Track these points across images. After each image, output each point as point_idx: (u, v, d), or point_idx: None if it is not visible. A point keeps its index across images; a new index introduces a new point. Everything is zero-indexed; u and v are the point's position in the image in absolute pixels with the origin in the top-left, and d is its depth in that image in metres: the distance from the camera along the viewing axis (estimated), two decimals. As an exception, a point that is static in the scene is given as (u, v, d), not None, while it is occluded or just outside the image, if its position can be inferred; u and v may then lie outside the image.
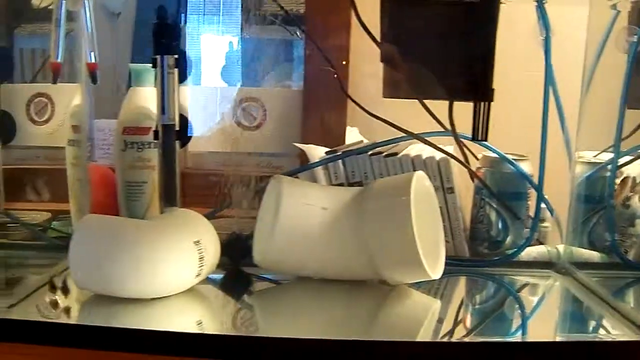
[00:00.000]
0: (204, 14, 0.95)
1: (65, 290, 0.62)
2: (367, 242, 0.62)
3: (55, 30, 0.67)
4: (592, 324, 0.64)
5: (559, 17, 0.69)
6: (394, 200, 0.62)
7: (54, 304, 0.60)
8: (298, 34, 0.89)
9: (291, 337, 0.54)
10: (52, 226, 0.79)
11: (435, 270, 0.63)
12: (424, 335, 0.58)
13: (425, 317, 0.63)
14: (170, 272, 0.58)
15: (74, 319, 0.58)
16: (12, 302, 0.58)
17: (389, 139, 0.76)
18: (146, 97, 0.77)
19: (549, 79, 0.70)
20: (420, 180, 0.64)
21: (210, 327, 0.59)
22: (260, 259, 0.64)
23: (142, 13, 0.94)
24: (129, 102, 0.77)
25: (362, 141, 0.91)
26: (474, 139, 0.67)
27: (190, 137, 0.69)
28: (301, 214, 0.63)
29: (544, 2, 0.68)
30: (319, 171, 0.77)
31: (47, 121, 0.88)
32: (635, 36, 0.67)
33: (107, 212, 0.80)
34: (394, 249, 0.61)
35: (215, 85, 0.92)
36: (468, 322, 0.63)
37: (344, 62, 0.85)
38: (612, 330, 0.60)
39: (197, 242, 0.60)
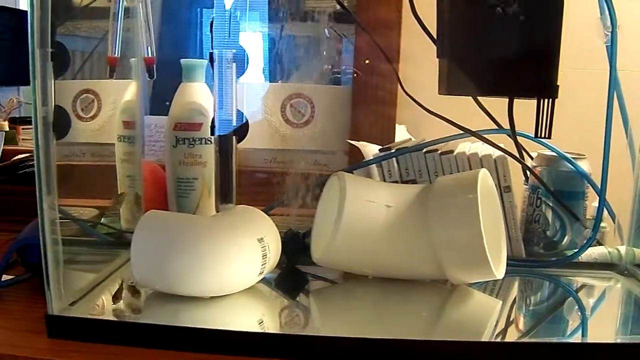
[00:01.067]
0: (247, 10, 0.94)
1: (124, 288, 0.61)
2: (431, 240, 0.61)
3: (113, 25, 0.67)
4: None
5: (623, 10, 0.67)
6: (461, 198, 0.60)
7: (114, 302, 0.59)
8: (336, 31, 0.88)
9: (356, 336, 0.52)
10: (101, 222, 0.78)
11: (499, 269, 0.62)
12: (490, 335, 0.57)
13: (489, 318, 0.62)
14: (235, 270, 0.57)
15: (136, 317, 0.57)
16: (72, 299, 0.57)
17: (445, 136, 0.75)
18: (198, 92, 0.76)
19: (613, 76, 0.68)
20: (485, 178, 0.63)
21: (272, 327, 0.58)
22: (320, 257, 0.63)
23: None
24: (180, 97, 0.77)
25: (410, 139, 0.90)
26: (537, 137, 0.65)
27: (247, 132, 0.68)
28: (365, 212, 0.61)
29: (610, -5, 0.66)
30: (373, 169, 0.75)
31: (93, 117, 0.88)
32: None
33: (156, 208, 0.79)
34: (461, 247, 0.60)
35: (262, 81, 0.91)
36: (529, 323, 0.62)
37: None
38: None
39: (260, 240, 0.59)
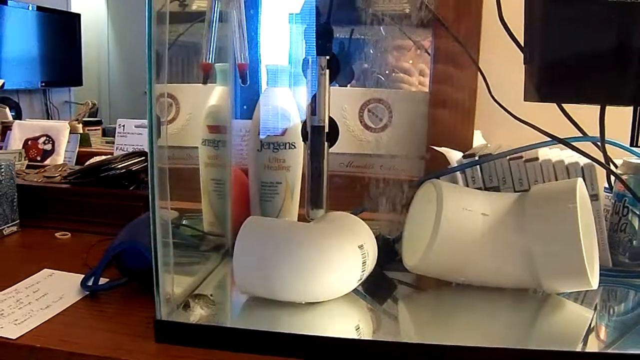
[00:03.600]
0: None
1: (221, 292, 0.62)
2: (528, 249, 0.61)
3: (208, 31, 0.68)
4: None
5: None
6: (560, 207, 0.60)
7: (212, 306, 0.60)
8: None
9: (450, 344, 0.53)
10: (184, 223, 0.79)
11: (593, 279, 0.61)
12: (584, 346, 0.57)
13: (583, 328, 0.62)
14: (336, 277, 0.58)
15: (241, 322, 0.58)
16: (174, 304, 0.58)
17: (531, 144, 0.75)
18: (282, 97, 0.77)
19: None
20: (582, 188, 0.62)
21: (368, 334, 0.59)
22: (416, 265, 0.64)
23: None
24: (265, 102, 0.77)
25: (487, 145, 0.90)
26: (634, 145, 0.64)
27: (337, 137, 0.69)
28: (462, 220, 0.62)
29: None
30: (456, 175, 0.75)
31: (171, 121, 0.89)
32: None
33: (239, 213, 0.80)
34: (559, 257, 0.60)
35: (338, 85, 0.91)
36: (618, 333, 0.62)
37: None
38: None
39: (360, 247, 0.59)
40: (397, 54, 0.92)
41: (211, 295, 0.61)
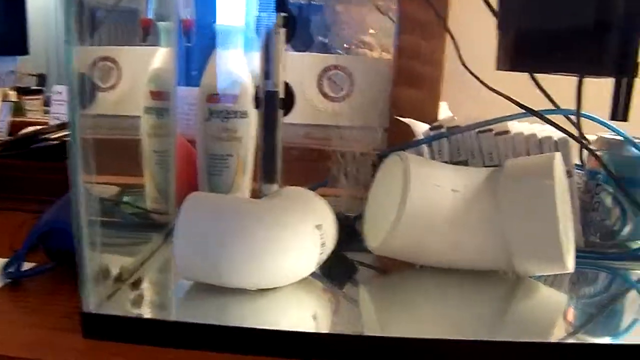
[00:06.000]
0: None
1: (162, 278, 0.56)
2: (501, 228, 0.56)
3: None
4: None
5: None
6: (536, 184, 0.55)
7: (153, 295, 0.53)
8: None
9: (415, 337, 0.48)
10: (125, 201, 0.72)
11: (569, 262, 0.57)
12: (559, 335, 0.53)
13: (556, 314, 0.57)
14: (291, 260, 0.52)
15: (183, 314, 0.51)
16: (108, 291, 0.51)
17: (501, 117, 0.69)
18: (233, 60, 0.70)
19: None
20: (559, 164, 0.57)
21: (325, 324, 0.53)
22: (379, 246, 0.58)
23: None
24: (214, 66, 0.70)
25: (453, 117, 0.84)
26: (613, 119, 0.60)
27: (293, 106, 0.62)
28: (430, 197, 0.56)
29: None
30: (423, 149, 0.70)
31: (112, 87, 0.81)
32: None
33: (184, 188, 0.73)
34: (534, 238, 0.55)
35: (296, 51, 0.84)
36: (587, 317, 0.57)
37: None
38: None
39: (318, 227, 0.53)
40: (358, 22, 0.86)
41: (147, 282, 0.54)
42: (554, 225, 0.54)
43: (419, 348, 0.47)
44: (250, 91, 0.69)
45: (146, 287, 0.55)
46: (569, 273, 0.57)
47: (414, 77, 0.79)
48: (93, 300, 0.48)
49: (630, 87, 0.59)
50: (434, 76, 0.79)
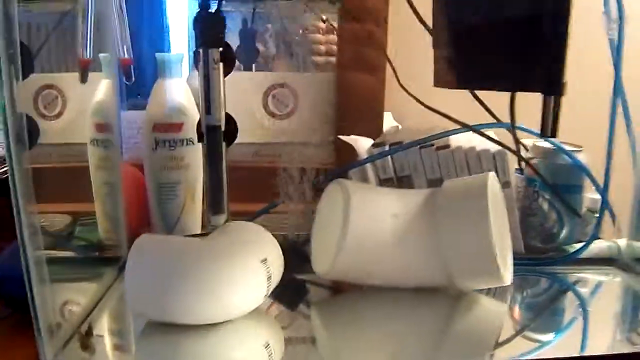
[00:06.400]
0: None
1: (117, 319, 0.57)
2: (440, 248, 0.58)
3: (83, 24, 0.60)
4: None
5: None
6: (471, 205, 0.58)
7: (108, 339, 0.54)
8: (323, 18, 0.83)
9: None
10: (77, 234, 0.72)
11: (506, 275, 0.60)
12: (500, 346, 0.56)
13: (498, 326, 0.61)
14: (239, 297, 0.53)
15: (138, 356, 0.53)
16: (63, 339, 0.52)
17: (441, 132, 0.72)
18: (176, 89, 0.71)
19: (618, 70, 0.66)
20: (493, 183, 0.60)
21: (278, 350, 0.55)
22: (323, 272, 0.60)
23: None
24: (157, 96, 0.71)
25: (397, 127, 0.87)
26: (542, 136, 0.62)
27: (236, 136, 0.63)
28: (371, 224, 0.58)
29: (618, -14, 0.63)
30: (367, 166, 0.72)
31: (58, 116, 0.80)
32: None
33: (136, 216, 0.74)
34: (471, 256, 0.58)
35: (239, 70, 0.85)
36: (531, 323, 0.61)
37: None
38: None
39: (264, 261, 0.55)
40: (302, 32, 0.87)
41: (102, 325, 0.55)
42: (489, 244, 0.56)
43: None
44: (195, 118, 0.70)
45: (101, 329, 0.56)
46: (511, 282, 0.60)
47: (356, 89, 0.81)
48: (50, 351, 0.49)
49: (557, 105, 0.62)
50: (377, 87, 0.80)
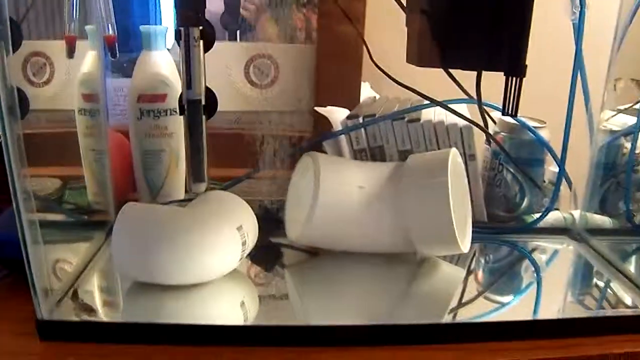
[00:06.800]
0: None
1: (105, 279, 0.62)
2: (403, 219, 0.63)
3: (69, 2, 0.63)
4: (599, 293, 0.67)
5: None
6: (432, 181, 0.62)
7: (99, 297, 0.59)
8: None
9: (329, 324, 0.56)
10: (66, 198, 0.77)
11: (464, 244, 0.65)
12: (455, 306, 0.62)
13: (455, 289, 0.66)
14: (215, 260, 0.58)
15: (127, 312, 0.58)
16: (58, 296, 0.57)
17: (412, 107, 0.76)
18: (160, 61, 0.74)
19: (579, 52, 0.70)
20: (454, 159, 0.64)
21: (253, 309, 0.60)
22: (295, 238, 0.65)
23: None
24: (142, 67, 0.74)
25: (375, 97, 0.90)
26: (504, 113, 0.67)
27: (216, 109, 0.67)
28: (339, 195, 0.63)
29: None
30: (341, 137, 0.76)
31: (46, 82, 0.83)
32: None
33: (123, 181, 0.78)
34: (432, 227, 0.62)
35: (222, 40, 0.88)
36: (490, 293, 0.66)
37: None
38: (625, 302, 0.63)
39: (239, 228, 0.60)
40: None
41: (91, 285, 0.60)
42: (448, 216, 0.61)
43: (337, 335, 0.55)
44: (178, 89, 0.74)
45: (91, 289, 0.61)
46: (471, 248, 0.66)
47: (335, 60, 0.84)
48: (45, 308, 0.54)
49: (519, 86, 0.66)
50: (355, 58, 0.84)
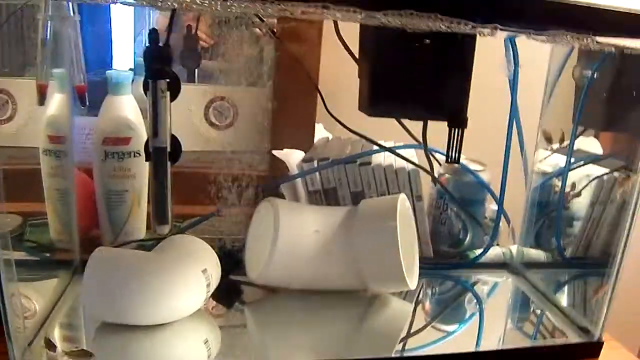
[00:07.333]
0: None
1: (75, 319, 0.64)
2: (356, 260, 0.68)
3: (42, 50, 0.66)
4: (533, 328, 0.74)
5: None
6: (382, 226, 0.68)
7: (68, 337, 0.62)
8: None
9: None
10: (27, 236, 0.79)
11: (412, 281, 0.70)
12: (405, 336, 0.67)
13: (404, 322, 0.71)
14: (182, 303, 0.62)
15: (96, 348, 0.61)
16: (28, 338, 0.59)
17: (364, 151, 0.81)
18: (125, 105, 0.77)
19: (514, 102, 0.77)
20: (403, 204, 0.70)
21: (215, 346, 0.64)
22: (255, 277, 0.69)
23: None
24: (107, 111, 0.77)
25: (328, 138, 0.95)
26: (448, 161, 0.73)
27: (180, 154, 0.71)
28: (296, 239, 0.68)
29: (515, 37, 0.74)
30: (297, 180, 0.81)
31: (9, 120, 0.85)
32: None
33: (85, 219, 0.81)
34: (382, 268, 0.68)
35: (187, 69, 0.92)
36: (436, 325, 0.72)
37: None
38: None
39: (204, 271, 0.63)
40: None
41: (60, 327, 0.62)
42: (397, 258, 0.66)
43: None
44: (142, 132, 0.77)
45: (60, 330, 0.63)
46: (419, 283, 0.71)
47: (292, 102, 0.89)
48: (17, 352, 0.56)
49: (461, 136, 0.72)
50: (309, 102, 0.89)
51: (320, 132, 0.95)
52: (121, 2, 0.59)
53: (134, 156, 0.78)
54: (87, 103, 0.73)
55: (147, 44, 0.67)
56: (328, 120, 0.98)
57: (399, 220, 0.67)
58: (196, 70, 0.95)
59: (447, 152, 0.72)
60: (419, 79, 0.72)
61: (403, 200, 0.70)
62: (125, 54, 0.88)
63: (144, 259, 0.63)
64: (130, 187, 0.79)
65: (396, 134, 0.82)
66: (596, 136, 0.87)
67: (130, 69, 0.89)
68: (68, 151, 0.75)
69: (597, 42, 0.63)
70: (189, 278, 0.62)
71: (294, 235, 0.67)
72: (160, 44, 0.67)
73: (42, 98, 0.68)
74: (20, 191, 0.84)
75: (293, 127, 0.91)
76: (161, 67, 0.67)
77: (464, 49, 0.69)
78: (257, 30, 0.89)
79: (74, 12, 0.69)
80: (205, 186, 0.84)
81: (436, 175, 0.85)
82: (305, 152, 0.87)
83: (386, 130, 0.81)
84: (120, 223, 0.79)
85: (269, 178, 0.85)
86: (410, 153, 0.84)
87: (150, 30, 0.67)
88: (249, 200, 0.84)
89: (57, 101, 0.75)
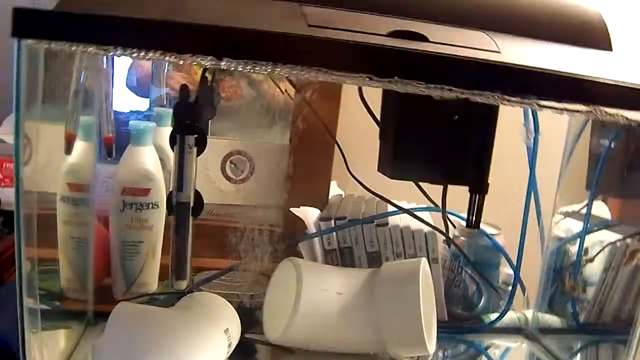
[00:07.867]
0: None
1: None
2: (377, 324, 0.67)
3: (74, 100, 0.66)
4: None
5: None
6: (404, 289, 0.67)
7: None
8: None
9: None
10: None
11: (431, 346, 0.70)
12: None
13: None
14: (204, 362, 0.61)
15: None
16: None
17: (381, 213, 0.81)
18: (146, 156, 0.77)
19: (533, 173, 0.78)
20: (424, 268, 0.70)
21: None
22: (274, 339, 0.68)
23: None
24: (129, 161, 0.77)
25: (341, 195, 0.96)
26: (468, 226, 0.73)
27: (202, 208, 0.71)
28: (319, 300, 0.67)
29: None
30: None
31: (25, 164, 0.85)
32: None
33: (98, 269, 0.80)
34: (403, 332, 0.67)
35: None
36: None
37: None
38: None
39: (226, 331, 0.62)
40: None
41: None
42: (418, 322, 0.66)
43: None
44: (161, 184, 0.77)
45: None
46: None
47: (308, 160, 0.89)
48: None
49: (481, 201, 0.72)
50: (327, 158, 0.89)
51: (334, 190, 0.96)
52: (154, 59, 0.60)
53: (152, 207, 0.77)
54: (114, 155, 0.73)
55: (179, 100, 0.67)
56: (341, 178, 0.99)
57: (421, 285, 0.67)
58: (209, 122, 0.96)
59: (468, 217, 0.73)
60: (442, 143, 0.73)
61: (424, 265, 0.70)
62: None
63: (170, 319, 0.62)
64: (146, 239, 0.78)
65: (409, 194, 0.83)
66: (604, 200, 0.88)
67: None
68: (87, 200, 0.75)
69: (606, 112, 0.64)
70: (213, 339, 0.61)
71: (316, 297, 0.67)
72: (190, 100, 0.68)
73: (69, 147, 0.68)
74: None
75: (309, 183, 0.91)
76: (191, 123, 0.67)
77: (488, 115, 0.70)
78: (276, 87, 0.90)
79: (107, 64, 0.70)
80: (219, 240, 0.84)
81: (451, 238, 0.86)
82: (320, 210, 0.87)
83: (402, 190, 0.82)
84: (134, 274, 0.78)
85: (287, 235, 0.84)
86: (424, 214, 0.84)
87: (181, 86, 0.68)
88: (265, 257, 0.84)
89: (79, 149, 0.75)
